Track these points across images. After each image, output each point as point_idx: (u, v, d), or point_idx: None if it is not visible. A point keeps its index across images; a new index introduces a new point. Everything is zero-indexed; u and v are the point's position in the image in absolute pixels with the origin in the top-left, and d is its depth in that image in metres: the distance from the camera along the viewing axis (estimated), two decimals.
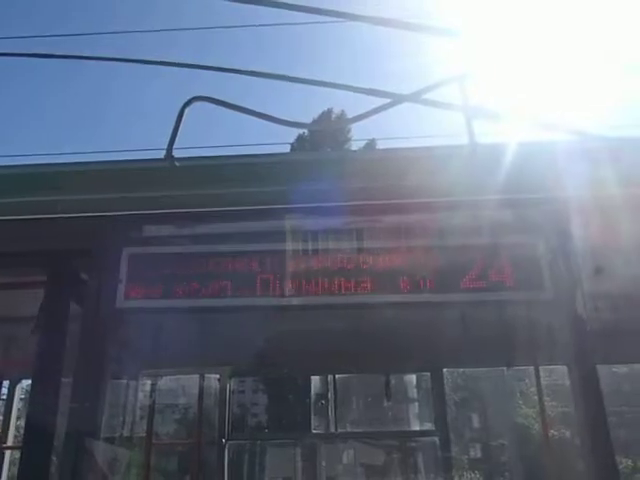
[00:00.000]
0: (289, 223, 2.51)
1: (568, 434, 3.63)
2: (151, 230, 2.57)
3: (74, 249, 2.41)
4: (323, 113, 21.68)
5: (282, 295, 2.43)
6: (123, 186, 2.55)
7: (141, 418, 4.15)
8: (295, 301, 2.45)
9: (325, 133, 18.20)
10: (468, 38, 3.19)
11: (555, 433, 3.90)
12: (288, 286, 2.44)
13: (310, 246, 2.53)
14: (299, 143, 19.45)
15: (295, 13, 3.15)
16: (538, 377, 3.69)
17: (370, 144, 19.07)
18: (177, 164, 2.66)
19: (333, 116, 21.39)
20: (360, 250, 2.51)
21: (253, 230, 2.55)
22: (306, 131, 19.58)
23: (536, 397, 3.79)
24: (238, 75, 3.41)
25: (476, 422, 4.46)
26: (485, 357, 3.47)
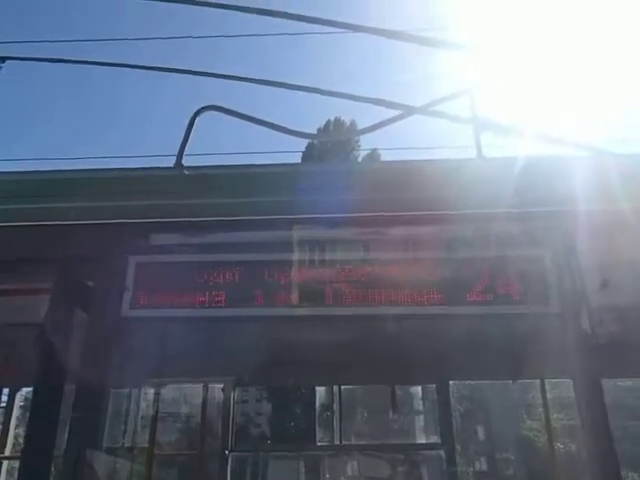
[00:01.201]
0: (296, 233, 2.52)
1: (574, 447, 3.60)
2: (158, 238, 2.57)
3: (81, 256, 2.41)
4: (329, 122, 21.75)
5: (288, 305, 2.43)
6: (133, 194, 2.55)
7: (143, 428, 4.14)
8: (301, 312, 2.45)
9: (334, 142, 18.29)
10: (476, 51, 3.22)
11: (561, 446, 3.87)
12: (294, 296, 2.44)
13: (317, 257, 2.54)
14: (308, 150, 19.54)
15: (305, 24, 3.19)
16: (544, 390, 3.66)
17: (372, 154, 19.15)
18: (186, 172, 2.67)
19: (343, 125, 21.45)
20: (366, 261, 2.51)
21: (260, 240, 2.56)
22: (314, 141, 19.67)
23: (541, 409, 3.77)
24: (247, 83, 3.45)
25: (482, 435, 4.43)
26: (491, 370, 3.45)
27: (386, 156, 16.58)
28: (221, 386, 4.06)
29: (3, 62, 3.37)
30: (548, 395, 3.66)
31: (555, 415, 3.77)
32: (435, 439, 3.65)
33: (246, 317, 2.46)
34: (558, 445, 3.85)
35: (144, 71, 3.49)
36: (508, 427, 4.54)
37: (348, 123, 21.09)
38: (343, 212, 2.42)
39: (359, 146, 20.50)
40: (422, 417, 4.36)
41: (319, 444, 4.56)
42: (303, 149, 18.89)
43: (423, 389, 4.30)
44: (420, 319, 2.49)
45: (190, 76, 3.56)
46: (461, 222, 2.47)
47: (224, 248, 2.54)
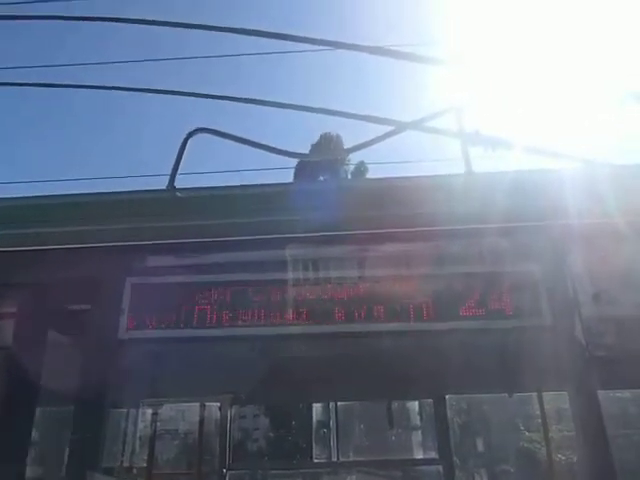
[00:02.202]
0: (289, 252, 2.54)
1: (572, 458, 3.59)
2: (153, 260, 2.59)
3: (75, 279, 2.42)
4: (320, 137, 21.87)
5: (283, 324, 2.45)
6: (126, 216, 2.57)
7: (140, 448, 4.11)
8: (295, 329, 2.47)
9: (324, 160, 18.48)
10: (463, 66, 3.28)
11: (561, 457, 3.86)
12: (289, 314, 2.46)
13: (311, 275, 2.56)
14: (300, 166, 19.68)
15: (289, 43, 3.24)
16: (542, 402, 3.66)
17: (359, 167, 19.27)
18: (179, 194, 2.69)
19: (332, 140, 21.57)
20: (360, 279, 2.54)
21: (254, 259, 2.58)
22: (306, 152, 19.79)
23: (539, 421, 3.77)
24: (237, 103, 3.49)
25: (480, 448, 4.41)
26: (487, 383, 3.45)
27: (373, 170, 16.70)
28: (218, 404, 4.04)
29: None
30: (546, 407, 3.66)
31: (553, 427, 3.77)
32: (433, 454, 3.63)
33: (241, 336, 2.47)
34: (558, 456, 3.84)
35: (129, 93, 3.54)
36: (507, 440, 4.52)
37: (335, 138, 21.27)
38: (335, 230, 2.45)
39: (349, 160, 20.65)
40: (419, 432, 4.34)
41: (316, 461, 4.52)
42: (294, 165, 19.00)
43: (420, 404, 4.29)
44: (415, 335, 2.51)
45: (177, 97, 3.62)
46: (452, 238, 2.50)
47: (217, 268, 2.56)
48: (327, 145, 20.15)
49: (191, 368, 2.93)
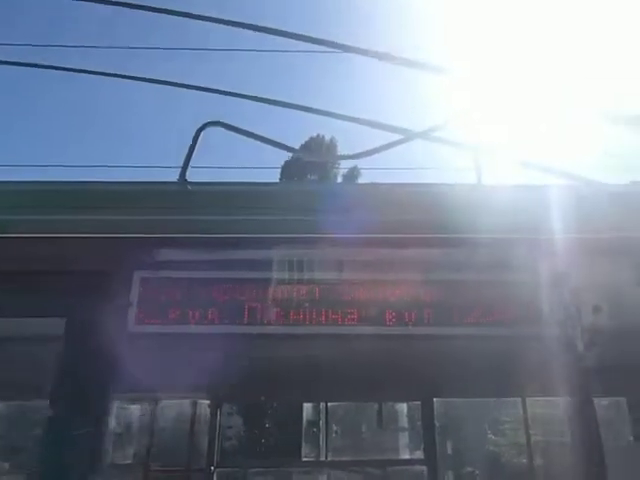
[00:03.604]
0: (295, 252, 2.58)
1: (545, 462, 3.69)
2: (162, 254, 2.56)
3: (86, 270, 2.41)
4: (312, 139, 21.75)
5: (278, 323, 2.50)
6: (136, 208, 2.56)
7: (132, 444, 4.12)
8: (289, 330, 2.51)
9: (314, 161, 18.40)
10: (466, 76, 3.33)
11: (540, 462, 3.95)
12: (286, 314, 2.51)
13: (305, 276, 2.60)
14: (286, 166, 19.62)
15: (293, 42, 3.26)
16: (525, 408, 3.75)
17: (352, 171, 19.31)
18: (190, 188, 2.72)
19: (324, 142, 21.52)
20: (352, 282, 2.59)
21: (253, 258, 2.59)
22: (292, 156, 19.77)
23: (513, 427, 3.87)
24: (239, 99, 3.49)
25: (463, 449, 4.49)
26: (475, 388, 3.53)
27: (366, 175, 16.72)
28: (207, 402, 4.07)
29: None
30: (529, 412, 3.74)
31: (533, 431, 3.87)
32: (419, 455, 3.70)
33: (237, 334, 2.50)
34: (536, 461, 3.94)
35: (135, 82, 3.52)
36: (487, 443, 4.60)
37: (328, 140, 21.23)
38: (341, 233, 2.49)
39: (339, 164, 20.65)
40: (407, 434, 4.41)
41: (305, 460, 4.58)
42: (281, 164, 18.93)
43: (408, 406, 4.36)
44: (405, 339, 2.57)
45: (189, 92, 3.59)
46: (445, 245, 2.57)
47: (226, 265, 2.56)
48: (318, 149, 20.08)
49: (188, 365, 2.95)
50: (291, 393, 3.99)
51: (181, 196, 2.69)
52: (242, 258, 2.57)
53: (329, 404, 4.36)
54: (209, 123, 2.87)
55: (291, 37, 3.22)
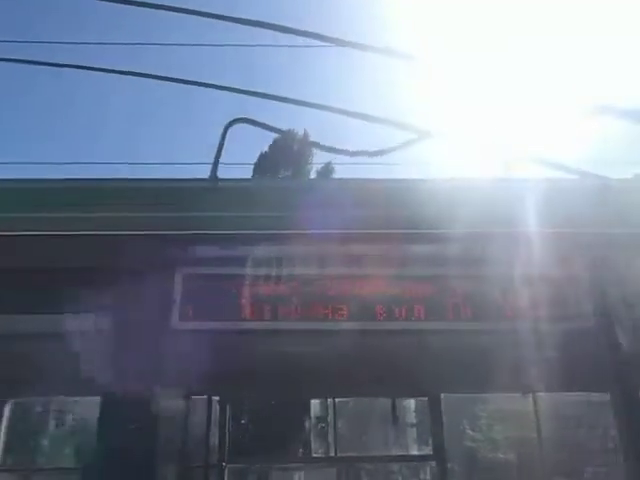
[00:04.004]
0: (315, 248, 2.60)
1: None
2: (202, 251, 2.58)
3: (125, 267, 2.42)
4: (284, 132, 21.43)
5: (291, 319, 2.51)
6: (168, 204, 2.59)
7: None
8: (299, 325, 2.54)
9: (287, 155, 18.31)
10: (442, 69, 3.31)
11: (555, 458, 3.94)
12: (301, 310, 2.53)
13: (331, 271, 2.61)
14: (258, 162, 19.58)
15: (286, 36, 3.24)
16: (536, 403, 3.74)
17: (327, 166, 19.18)
18: (221, 185, 2.74)
19: (294, 139, 21.32)
20: (359, 277, 2.60)
21: (278, 255, 2.61)
22: (267, 150, 19.71)
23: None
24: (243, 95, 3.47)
25: (474, 445, 4.48)
26: (483, 382, 3.53)
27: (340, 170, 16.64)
28: (217, 398, 4.09)
29: None
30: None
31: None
32: (428, 450, 3.71)
33: (257, 330, 2.53)
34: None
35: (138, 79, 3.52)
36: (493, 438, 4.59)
37: (301, 134, 21.00)
38: (349, 229, 2.50)
39: (312, 161, 20.50)
40: (415, 429, 4.41)
41: (314, 456, 4.59)
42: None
43: (416, 402, 4.37)
44: (413, 334, 2.58)
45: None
46: (448, 240, 2.57)
47: (259, 262, 2.59)
48: (290, 144, 19.83)
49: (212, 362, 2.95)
50: (300, 389, 4.01)
51: (214, 193, 2.71)
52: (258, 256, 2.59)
53: (337, 400, 4.37)
54: (236, 120, 2.88)
55: (265, 27, 3.18)
